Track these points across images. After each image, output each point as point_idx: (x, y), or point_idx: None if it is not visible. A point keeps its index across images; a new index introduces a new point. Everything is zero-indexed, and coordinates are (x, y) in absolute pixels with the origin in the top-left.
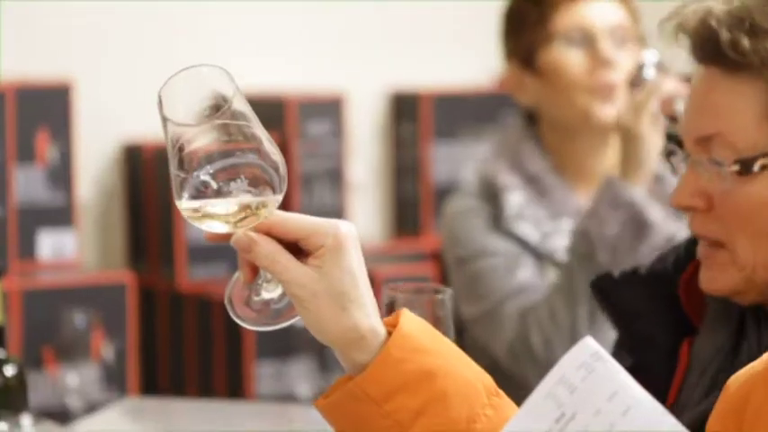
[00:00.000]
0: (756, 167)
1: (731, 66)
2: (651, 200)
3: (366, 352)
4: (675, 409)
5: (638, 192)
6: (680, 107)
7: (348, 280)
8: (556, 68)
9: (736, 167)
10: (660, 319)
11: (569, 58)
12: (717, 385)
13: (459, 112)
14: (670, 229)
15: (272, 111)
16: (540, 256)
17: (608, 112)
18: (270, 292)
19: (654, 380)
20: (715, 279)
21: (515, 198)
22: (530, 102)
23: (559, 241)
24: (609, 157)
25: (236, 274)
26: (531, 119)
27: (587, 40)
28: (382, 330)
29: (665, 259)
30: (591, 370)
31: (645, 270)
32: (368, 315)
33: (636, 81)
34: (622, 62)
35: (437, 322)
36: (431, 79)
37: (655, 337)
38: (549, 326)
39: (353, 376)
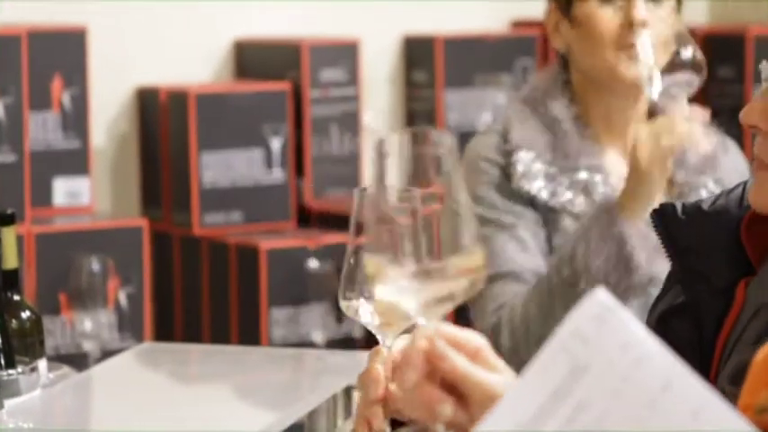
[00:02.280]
0: None
1: None
2: (642, 235)
3: None
4: (726, 347)
5: (632, 227)
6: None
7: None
8: (588, 21)
9: None
10: (718, 256)
11: (603, 14)
12: None
13: (474, 58)
14: (655, 270)
15: (286, 56)
16: (553, 210)
17: (635, 71)
18: None
19: (705, 317)
20: (764, 195)
21: (527, 156)
22: (562, 47)
23: (571, 195)
24: (637, 116)
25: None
26: (565, 64)
27: (625, 3)
28: None
29: (728, 194)
30: (603, 321)
31: (708, 205)
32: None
33: (672, 67)
34: (655, 22)
35: None
36: (445, 24)
37: (711, 274)
38: (521, 333)
39: None
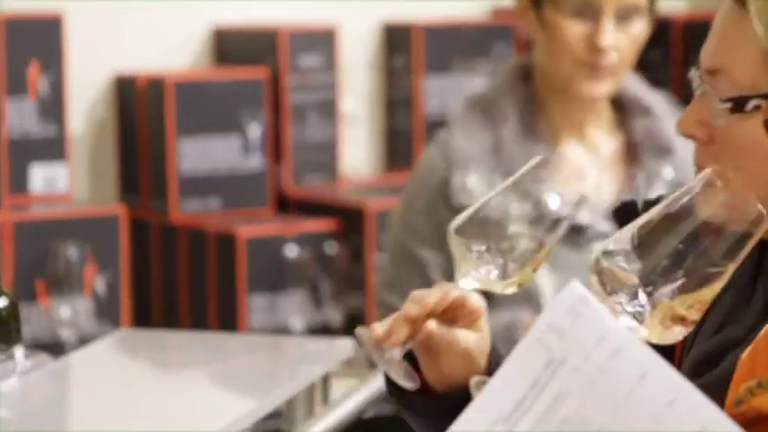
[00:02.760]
0: (749, 107)
1: (741, 2)
2: None
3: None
4: (687, 340)
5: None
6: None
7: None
8: (555, 30)
9: (729, 104)
10: None
11: (571, 28)
12: (731, 318)
13: (452, 45)
14: None
15: (264, 43)
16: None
17: (591, 88)
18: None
19: None
20: (707, 209)
21: (467, 169)
22: (528, 35)
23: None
24: (599, 121)
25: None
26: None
27: (592, 15)
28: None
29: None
30: (578, 314)
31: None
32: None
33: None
34: (622, 43)
35: None
36: (424, 11)
37: None
38: None
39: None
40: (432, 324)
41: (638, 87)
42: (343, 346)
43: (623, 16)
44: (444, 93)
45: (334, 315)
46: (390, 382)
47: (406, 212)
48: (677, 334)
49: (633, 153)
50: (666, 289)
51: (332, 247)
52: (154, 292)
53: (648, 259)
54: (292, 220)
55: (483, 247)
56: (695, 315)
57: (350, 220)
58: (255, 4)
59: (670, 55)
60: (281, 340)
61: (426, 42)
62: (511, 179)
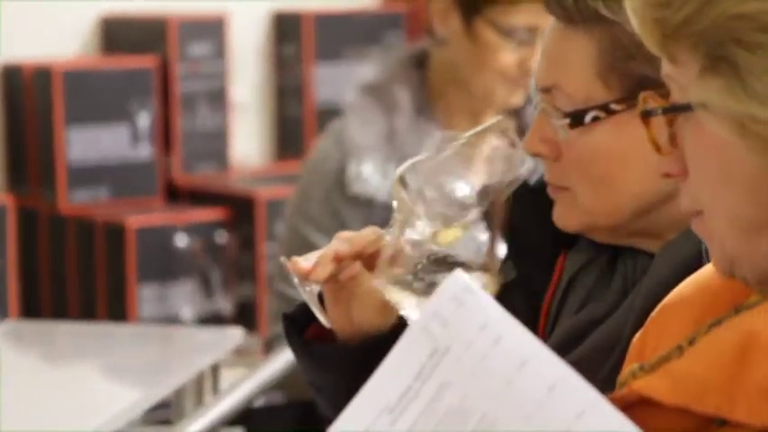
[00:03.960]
0: (588, 119)
1: (565, 19)
2: None
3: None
4: (549, 319)
5: None
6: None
7: None
8: (486, 47)
9: (567, 120)
10: (542, 231)
11: (502, 47)
12: (592, 296)
13: (342, 33)
14: None
15: (152, 31)
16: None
17: (510, 99)
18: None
19: (535, 291)
20: (564, 217)
21: (361, 157)
22: (444, 38)
23: None
24: (494, 111)
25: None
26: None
27: (528, 39)
28: None
29: None
30: (461, 303)
31: (534, 182)
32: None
33: None
34: None
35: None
36: None
37: (536, 248)
38: None
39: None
40: (358, 266)
41: None
42: (234, 336)
43: None
44: (335, 81)
45: (225, 304)
46: (288, 328)
47: (301, 201)
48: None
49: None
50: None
51: (222, 237)
52: (42, 283)
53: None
54: (182, 210)
55: (418, 201)
56: None
57: (240, 210)
58: None
59: None
60: (170, 330)
61: (316, 30)
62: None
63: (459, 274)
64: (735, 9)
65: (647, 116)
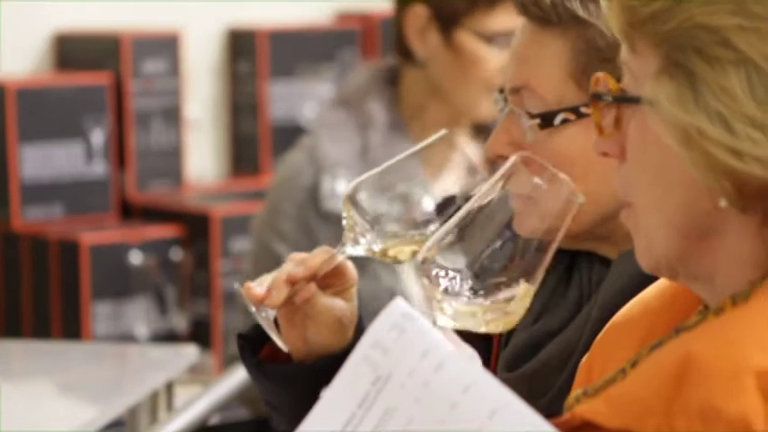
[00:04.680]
0: (557, 121)
1: (538, 20)
2: None
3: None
4: (502, 336)
5: None
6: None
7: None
8: (470, 57)
9: (537, 120)
10: None
11: (487, 55)
12: (547, 308)
13: (297, 50)
14: None
15: (106, 48)
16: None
17: (492, 112)
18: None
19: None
20: (524, 224)
21: (334, 174)
22: (422, 55)
23: (386, 208)
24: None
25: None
26: (402, 58)
27: (509, 44)
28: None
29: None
30: (402, 330)
31: None
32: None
33: None
34: None
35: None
36: (268, 16)
37: None
38: None
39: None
40: (313, 287)
41: None
42: (188, 353)
43: None
44: (290, 98)
45: (180, 322)
46: (242, 347)
47: (272, 217)
48: (497, 326)
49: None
50: (488, 282)
51: (177, 254)
52: None
53: (469, 253)
54: (136, 227)
55: (368, 219)
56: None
57: (195, 227)
58: (97, 8)
59: None
60: (124, 348)
61: (271, 47)
62: (411, 151)
63: (398, 301)
64: (701, 18)
65: (596, 99)
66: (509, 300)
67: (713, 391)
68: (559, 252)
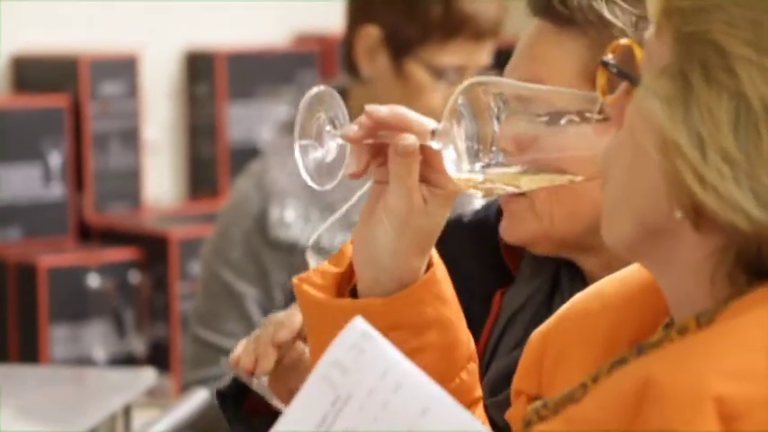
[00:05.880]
0: (564, 121)
1: (559, 20)
2: None
3: (396, 281)
4: (485, 356)
5: None
6: None
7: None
8: (417, 87)
9: (545, 118)
10: (479, 265)
11: (435, 88)
12: (527, 335)
13: (255, 72)
14: None
15: (64, 70)
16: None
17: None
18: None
19: (470, 326)
20: (513, 228)
21: (282, 201)
22: (369, 75)
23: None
24: None
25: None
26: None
27: (458, 79)
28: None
29: (489, 207)
30: (361, 350)
31: (469, 218)
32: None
33: None
34: None
35: None
36: (226, 38)
37: (472, 283)
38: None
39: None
40: (301, 347)
41: None
42: (146, 377)
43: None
44: (248, 120)
45: (138, 345)
46: (221, 402)
47: (220, 244)
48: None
49: None
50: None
51: (135, 277)
52: None
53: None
54: (95, 250)
55: None
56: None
57: (153, 249)
58: (55, 30)
59: None
60: (82, 371)
61: (229, 69)
62: (341, 211)
63: (358, 320)
64: (717, 36)
65: (604, 65)
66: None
67: (672, 417)
68: (540, 277)
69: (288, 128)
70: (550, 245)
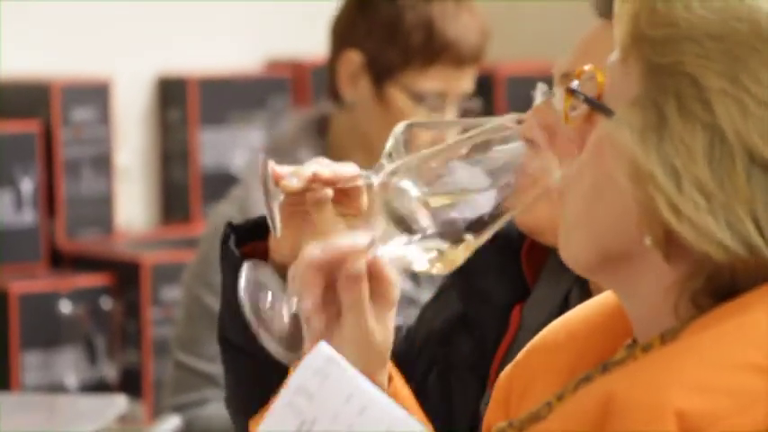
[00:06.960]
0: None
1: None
2: None
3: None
4: (500, 370)
5: None
6: None
7: None
8: (397, 112)
9: (585, 107)
10: (500, 278)
11: (415, 114)
12: None
13: (228, 97)
14: None
15: (35, 96)
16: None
17: None
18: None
19: (484, 336)
20: (526, 212)
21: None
22: (351, 99)
23: None
24: None
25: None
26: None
27: (438, 104)
28: None
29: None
30: (326, 375)
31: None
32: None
33: None
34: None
35: None
36: (198, 64)
37: (491, 294)
38: None
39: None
40: (329, 192)
41: None
42: (118, 403)
43: (461, 104)
44: (220, 146)
45: (110, 371)
46: (227, 236)
47: (202, 268)
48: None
49: None
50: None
51: (107, 303)
52: None
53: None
54: (66, 276)
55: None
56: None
57: (125, 275)
58: (27, 55)
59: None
60: (54, 398)
61: (201, 95)
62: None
63: (323, 345)
64: (692, 69)
65: (570, 92)
66: (454, 246)
67: (634, 430)
68: (559, 292)
69: (266, 152)
70: (555, 236)
